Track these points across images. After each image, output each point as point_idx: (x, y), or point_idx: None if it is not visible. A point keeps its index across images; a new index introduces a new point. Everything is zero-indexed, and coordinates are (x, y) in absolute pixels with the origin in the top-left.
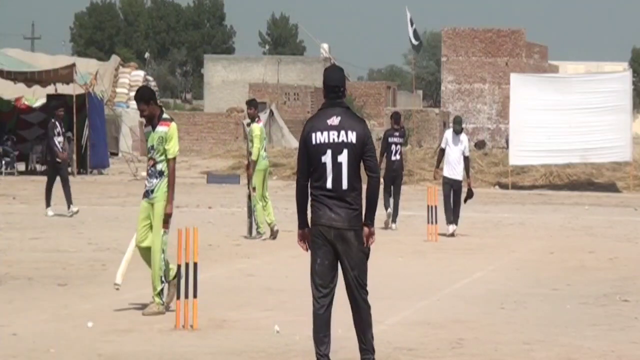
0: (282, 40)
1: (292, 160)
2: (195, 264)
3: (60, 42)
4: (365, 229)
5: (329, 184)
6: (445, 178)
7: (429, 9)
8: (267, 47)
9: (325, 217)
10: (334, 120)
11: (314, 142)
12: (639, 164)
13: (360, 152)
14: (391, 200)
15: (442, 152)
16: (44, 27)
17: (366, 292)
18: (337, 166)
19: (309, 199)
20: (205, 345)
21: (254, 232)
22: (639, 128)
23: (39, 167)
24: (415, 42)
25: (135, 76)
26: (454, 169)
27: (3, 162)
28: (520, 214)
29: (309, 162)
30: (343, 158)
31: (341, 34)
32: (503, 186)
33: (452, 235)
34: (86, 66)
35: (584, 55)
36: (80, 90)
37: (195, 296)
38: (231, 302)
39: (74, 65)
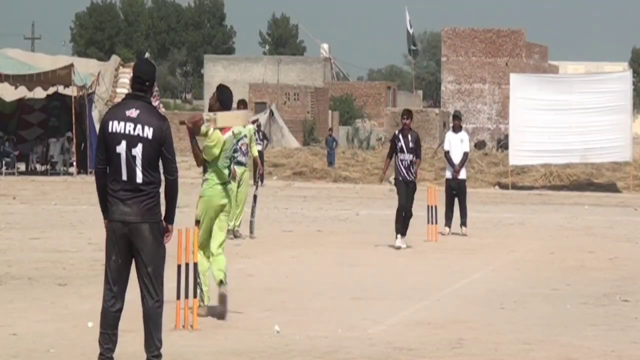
0: (282, 40)
1: (292, 160)
2: (195, 264)
3: (60, 42)
4: (163, 224)
5: (123, 176)
6: (448, 180)
7: (429, 9)
8: (267, 47)
9: (118, 212)
10: (133, 113)
11: (109, 130)
12: (639, 164)
13: (157, 149)
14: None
15: (448, 154)
16: (44, 27)
17: (160, 293)
18: (131, 159)
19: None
20: (205, 345)
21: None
22: (639, 128)
23: (39, 167)
24: (413, 47)
25: None
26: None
27: (3, 162)
28: (520, 214)
29: (105, 150)
30: (137, 152)
31: (341, 34)
32: (503, 186)
33: (449, 234)
34: (86, 66)
35: (584, 55)
36: (81, 91)
37: (195, 296)
38: (231, 302)
39: (71, 65)
